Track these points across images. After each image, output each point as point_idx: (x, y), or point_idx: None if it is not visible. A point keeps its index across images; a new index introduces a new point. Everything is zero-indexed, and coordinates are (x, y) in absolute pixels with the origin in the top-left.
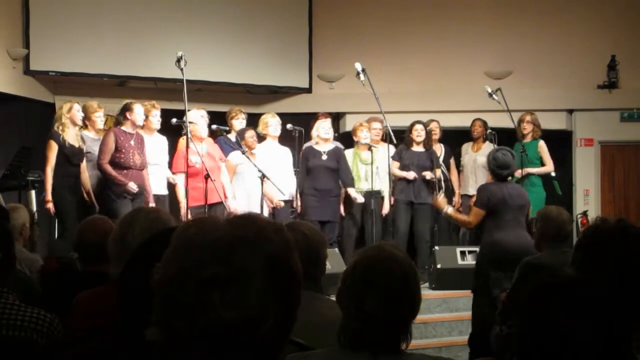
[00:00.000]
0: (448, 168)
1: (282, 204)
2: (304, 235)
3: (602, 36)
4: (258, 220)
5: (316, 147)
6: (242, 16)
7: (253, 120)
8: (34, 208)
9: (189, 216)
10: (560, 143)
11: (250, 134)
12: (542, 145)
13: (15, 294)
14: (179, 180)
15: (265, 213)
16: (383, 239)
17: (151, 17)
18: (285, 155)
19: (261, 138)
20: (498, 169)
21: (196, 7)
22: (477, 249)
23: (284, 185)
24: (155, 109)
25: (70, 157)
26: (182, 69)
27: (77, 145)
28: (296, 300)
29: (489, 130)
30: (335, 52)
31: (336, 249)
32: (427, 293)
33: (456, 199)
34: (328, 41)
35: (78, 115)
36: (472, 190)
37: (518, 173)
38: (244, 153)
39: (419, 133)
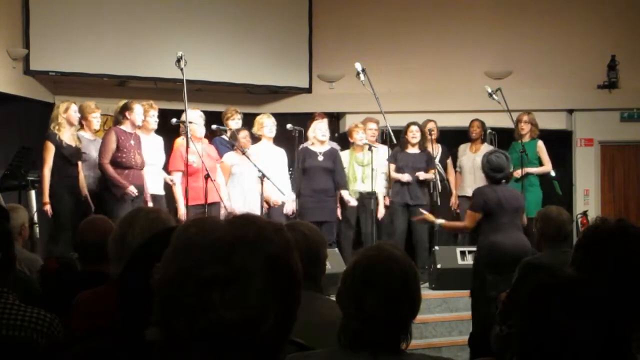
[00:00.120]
0: (445, 168)
1: (280, 202)
2: (304, 235)
3: (602, 36)
4: (258, 221)
5: (312, 148)
6: (242, 16)
7: (252, 121)
8: (34, 208)
9: (184, 216)
10: (560, 143)
11: (243, 134)
12: (540, 145)
13: (15, 294)
14: (176, 179)
15: (259, 213)
16: (379, 239)
17: (151, 17)
18: (280, 156)
19: (257, 139)
20: (492, 172)
21: (196, 7)
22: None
23: (279, 186)
24: (153, 109)
25: (69, 157)
26: (182, 69)
27: (74, 145)
28: (296, 300)
29: (489, 131)
30: (335, 52)
31: (336, 249)
32: (427, 293)
33: (453, 199)
34: (328, 41)
35: (75, 115)
36: (470, 191)
37: (517, 173)
38: (244, 153)
39: (414, 134)
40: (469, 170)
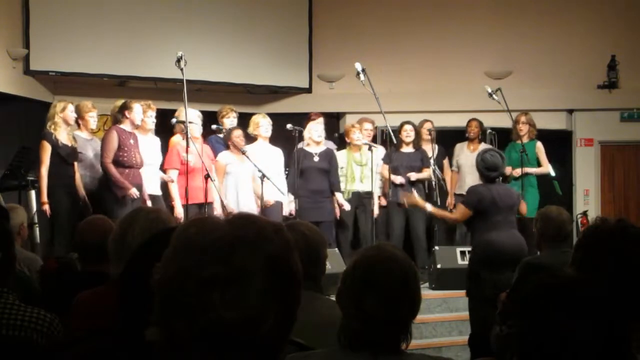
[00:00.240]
0: (441, 168)
1: (272, 202)
2: (304, 235)
3: (602, 36)
4: (258, 220)
5: (307, 148)
6: (242, 16)
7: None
8: (34, 208)
9: (180, 214)
10: (560, 143)
11: (237, 134)
12: (539, 146)
13: (15, 294)
14: (173, 177)
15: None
16: (377, 239)
17: (151, 17)
18: (277, 155)
19: (252, 139)
20: (486, 171)
21: (196, 7)
22: None
23: (279, 186)
24: (151, 109)
25: (65, 157)
26: (182, 69)
27: (70, 145)
28: (296, 300)
29: (489, 131)
30: (335, 52)
31: (336, 249)
32: (427, 293)
33: (449, 199)
34: (328, 41)
35: (71, 115)
36: None
37: (517, 172)
38: (243, 153)
39: (407, 134)
40: (469, 170)
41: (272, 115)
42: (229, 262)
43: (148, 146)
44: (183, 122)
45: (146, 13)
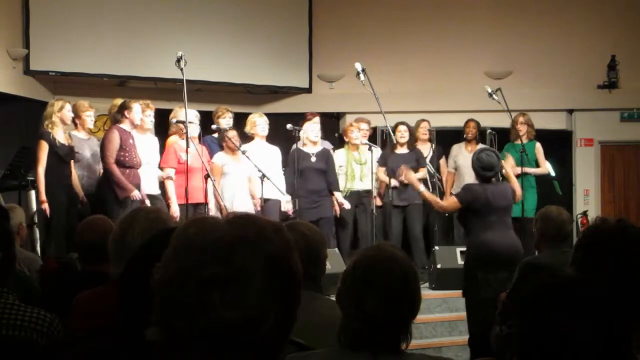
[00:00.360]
0: (437, 168)
1: (262, 203)
2: (304, 235)
3: (602, 36)
4: (258, 220)
5: (304, 149)
6: (242, 16)
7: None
8: (34, 208)
9: (176, 213)
10: (560, 143)
11: (232, 134)
12: (538, 147)
13: (15, 293)
14: (170, 173)
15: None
16: (377, 238)
17: (151, 17)
18: (275, 154)
19: (248, 138)
20: (482, 170)
21: (196, 7)
22: None
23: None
24: (150, 109)
25: (62, 157)
26: (182, 69)
27: (67, 144)
28: (296, 300)
29: (489, 131)
30: (335, 52)
31: (336, 249)
32: (427, 293)
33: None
34: (328, 41)
35: (69, 115)
36: None
37: (517, 171)
38: (243, 153)
39: (402, 134)
40: (468, 171)
41: (272, 115)
42: (229, 262)
43: (147, 146)
44: (182, 122)
45: (146, 13)
